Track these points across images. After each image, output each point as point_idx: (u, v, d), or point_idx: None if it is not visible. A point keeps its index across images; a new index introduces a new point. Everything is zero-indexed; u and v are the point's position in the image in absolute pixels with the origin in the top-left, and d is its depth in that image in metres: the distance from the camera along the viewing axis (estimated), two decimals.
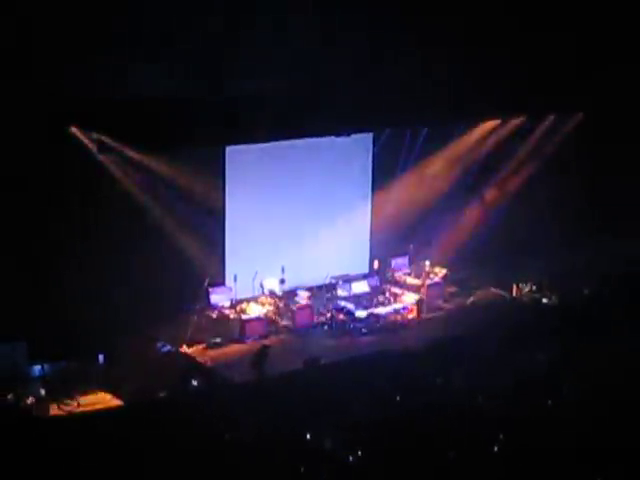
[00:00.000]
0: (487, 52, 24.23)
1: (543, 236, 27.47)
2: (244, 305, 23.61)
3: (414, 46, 23.31)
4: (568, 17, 25.10)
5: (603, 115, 26.79)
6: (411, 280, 25.69)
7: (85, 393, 20.19)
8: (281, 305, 24.15)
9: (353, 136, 24.43)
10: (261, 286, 24.15)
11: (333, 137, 24.10)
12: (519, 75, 24.84)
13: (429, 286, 25.44)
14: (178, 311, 23.16)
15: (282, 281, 24.25)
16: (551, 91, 25.19)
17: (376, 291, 25.10)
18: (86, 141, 20.99)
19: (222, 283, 24.01)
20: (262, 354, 21.58)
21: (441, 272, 26.05)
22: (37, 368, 20.84)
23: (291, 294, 24.57)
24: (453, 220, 27.20)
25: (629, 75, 25.97)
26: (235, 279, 23.61)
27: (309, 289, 24.84)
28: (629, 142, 27.67)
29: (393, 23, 23.16)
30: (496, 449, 16.97)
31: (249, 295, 23.95)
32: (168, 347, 22.39)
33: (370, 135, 26.00)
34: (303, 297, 24.50)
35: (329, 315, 24.20)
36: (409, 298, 24.84)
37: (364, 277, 25.49)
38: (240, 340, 23.04)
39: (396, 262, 26.27)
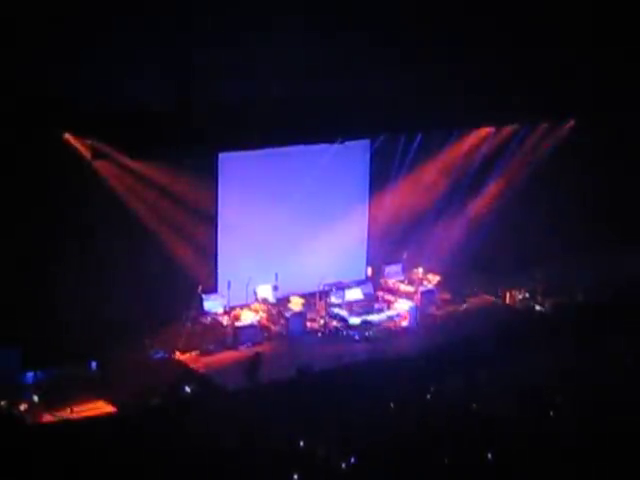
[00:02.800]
0: (482, 60, 24.24)
1: (537, 244, 27.45)
2: (237, 312, 23.58)
3: (410, 54, 23.32)
4: (562, 24, 25.12)
5: (602, 123, 26.77)
6: (404, 287, 25.68)
7: (78, 400, 20.11)
8: (274, 312, 24.12)
9: (350, 142, 24.41)
10: (254, 293, 24.10)
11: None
12: (512, 82, 24.86)
13: (422, 293, 25.44)
14: (171, 318, 23.14)
15: (275, 288, 24.22)
16: (546, 98, 25.22)
17: (370, 298, 25.07)
18: (80, 147, 20.96)
19: (215, 290, 23.98)
20: (255, 361, 21.58)
21: (434, 279, 26.04)
22: (30, 375, 20.78)
23: (284, 301, 24.54)
24: (447, 227, 27.18)
25: (627, 79, 26.01)
26: (228, 286, 23.56)
27: (303, 296, 24.81)
28: (629, 150, 27.64)
29: (390, 31, 23.18)
30: (490, 456, 16.97)
31: (242, 302, 23.90)
32: (161, 354, 22.37)
33: (367, 141, 25.97)
34: (296, 304, 24.48)
35: (322, 322, 24.19)
36: (402, 305, 24.82)
37: (357, 284, 25.45)
38: (233, 347, 23.00)
39: (390, 269, 26.27)
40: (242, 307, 23.80)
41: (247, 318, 23.47)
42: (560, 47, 25.37)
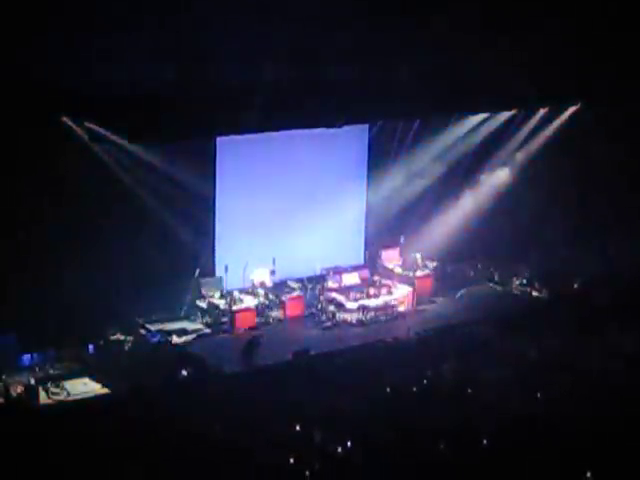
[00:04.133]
0: (483, 45, 24.16)
1: (535, 230, 27.45)
2: (234, 295, 23.59)
3: (410, 38, 23.27)
4: (566, 9, 25.03)
5: (603, 109, 26.67)
6: (402, 272, 25.69)
7: (75, 382, 20.14)
8: (271, 296, 24.13)
9: (347, 126, 24.35)
10: (251, 279, 24.11)
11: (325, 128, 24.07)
12: (515, 67, 24.79)
13: (419, 278, 25.46)
14: (169, 301, 23.18)
15: (273, 272, 24.23)
16: (546, 83, 25.16)
17: (367, 283, 25.07)
18: (78, 130, 20.91)
19: (212, 273, 23.99)
20: (252, 345, 21.60)
21: (432, 264, 26.06)
22: (27, 357, 20.81)
23: (282, 285, 24.56)
24: (445, 212, 27.18)
25: (629, 65, 25.94)
26: (226, 270, 23.58)
27: (300, 280, 24.84)
28: (631, 135, 27.55)
29: (389, 15, 23.11)
30: (486, 442, 17.01)
31: (240, 286, 23.91)
32: (158, 337, 22.39)
33: (365, 126, 25.94)
34: (294, 288, 24.51)
35: (319, 306, 24.21)
36: (399, 290, 24.82)
37: (355, 269, 25.45)
38: (230, 331, 23.02)
39: (387, 254, 26.27)
40: (240, 291, 23.83)
41: (244, 301, 23.49)
42: (562, 31, 25.28)
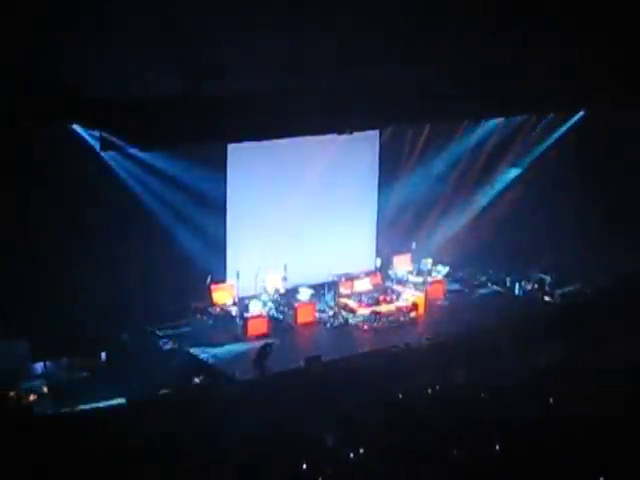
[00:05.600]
0: (489, 50, 24.13)
1: (547, 235, 27.39)
2: (246, 302, 23.59)
3: (418, 44, 23.26)
4: (571, 14, 24.99)
5: (609, 113, 26.59)
6: (413, 278, 25.70)
7: (87, 391, 20.15)
8: (283, 302, 24.14)
9: (358, 133, 24.35)
10: (263, 283, 24.11)
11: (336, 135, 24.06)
12: (522, 73, 24.76)
13: (431, 284, 25.45)
14: (181, 308, 23.21)
15: (284, 278, 24.23)
16: (554, 89, 25.13)
17: (378, 289, 25.07)
18: (88, 138, 20.96)
19: (224, 280, 24.00)
20: (264, 352, 21.59)
21: (443, 270, 26.05)
22: (39, 365, 20.84)
23: (293, 291, 24.56)
24: (456, 217, 27.19)
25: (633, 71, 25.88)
26: (237, 276, 23.59)
27: (311, 286, 24.83)
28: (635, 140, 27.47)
29: (398, 21, 23.12)
30: (498, 448, 16.97)
31: (251, 292, 23.91)
32: (170, 344, 22.40)
33: (376, 132, 25.95)
34: (305, 294, 24.50)
35: (331, 313, 24.20)
36: (411, 296, 24.82)
37: (366, 275, 25.45)
38: (242, 338, 23.02)
39: (399, 260, 26.27)
40: (251, 297, 23.82)
41: (256, 308, 23.48)
42: (570, 37, 25.24)
